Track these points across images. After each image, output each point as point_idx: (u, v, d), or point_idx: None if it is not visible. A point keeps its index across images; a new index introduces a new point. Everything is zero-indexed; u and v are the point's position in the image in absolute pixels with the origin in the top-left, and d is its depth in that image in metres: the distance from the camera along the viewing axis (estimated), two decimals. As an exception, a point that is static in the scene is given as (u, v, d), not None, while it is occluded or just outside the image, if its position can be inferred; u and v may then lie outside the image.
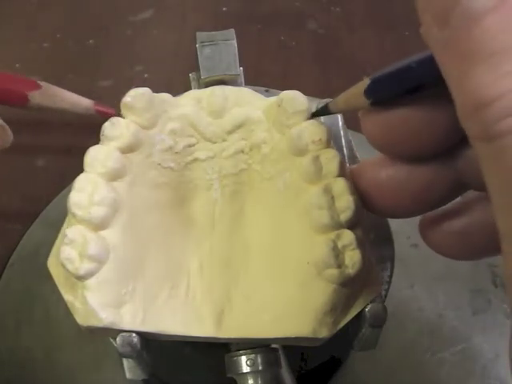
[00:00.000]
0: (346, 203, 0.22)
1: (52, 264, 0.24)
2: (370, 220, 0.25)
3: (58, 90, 0.25)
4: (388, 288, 0.26)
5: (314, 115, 0.24)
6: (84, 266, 0.22)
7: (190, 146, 0.26)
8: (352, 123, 0.28)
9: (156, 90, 0.25)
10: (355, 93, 0.20)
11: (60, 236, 0.24)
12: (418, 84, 0.18)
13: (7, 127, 0.25)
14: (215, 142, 0.26)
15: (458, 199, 0.21)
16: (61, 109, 0.25)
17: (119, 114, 0.25)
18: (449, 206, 0.22)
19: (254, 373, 0.24)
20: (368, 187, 0.22)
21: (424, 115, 0.19)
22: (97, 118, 0.25)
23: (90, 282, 0.22)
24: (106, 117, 0.25)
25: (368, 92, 0.19)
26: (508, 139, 0.14)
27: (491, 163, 0.15)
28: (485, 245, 0.21)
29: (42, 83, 0.24)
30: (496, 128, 0.14)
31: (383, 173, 0.21)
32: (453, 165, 0.20)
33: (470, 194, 0.21)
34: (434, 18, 0.16)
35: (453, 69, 0.16)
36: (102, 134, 0.24)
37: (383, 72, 0.19)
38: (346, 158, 0.27)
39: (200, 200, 0.26)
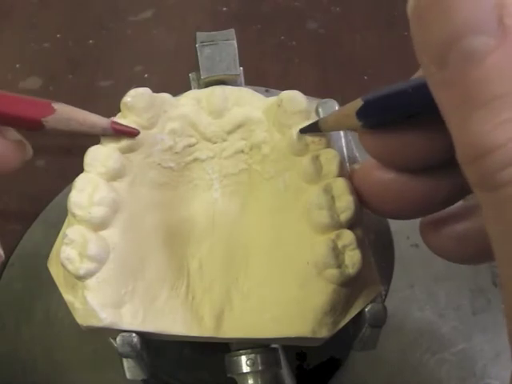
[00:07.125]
0: (345, 203, 0.22)
1: (52, 264, 0.24)
2: (369, 220, 0.25)
3: (73, 111, 0.23)
4: (388, 288, 0.26)
5: (302, 131, 0.23)
6: (84, 266, 0.22)
7: (190, 145, 0.26)
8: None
9: (156, 90, 0.25)
10: (347, 114, 0.19)
11: (60, 236, 0.24)
12: (413, 111, 0.18)
13: (27, 142, 0.24)
14: (215, 142, 0.26)
15: (460, 203, 0.21)
16: (78, 132, 0.23)
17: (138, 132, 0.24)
18: (451, 209, 0.21)
19: (254, 373, 0.24)
20: (371, 188, 0.22)
21: (420, 137, 0.19)
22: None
23: (90, 282, 0.22)
24: (125, 135, 0.24)
25: (360, 114, 0.19)
26: (509, 190, 0.14)
27: (492, 212, 0.14)
28: (485, 250, 0.21)
29: (57, 105, 0.23)
30: (496, 178, 0.14)
31: (387, 174, 0.21)
32: (456, 169, 0.20)
33: (472, 198, 0.21)
34: (431, 57, 0.15)
35: (451, 111, 0.15)
36: (102, 133, 0.24)
37: (377, 94, 0.18)
38: (346, 158, 0.27)
39: (200, 200, 0.26)
